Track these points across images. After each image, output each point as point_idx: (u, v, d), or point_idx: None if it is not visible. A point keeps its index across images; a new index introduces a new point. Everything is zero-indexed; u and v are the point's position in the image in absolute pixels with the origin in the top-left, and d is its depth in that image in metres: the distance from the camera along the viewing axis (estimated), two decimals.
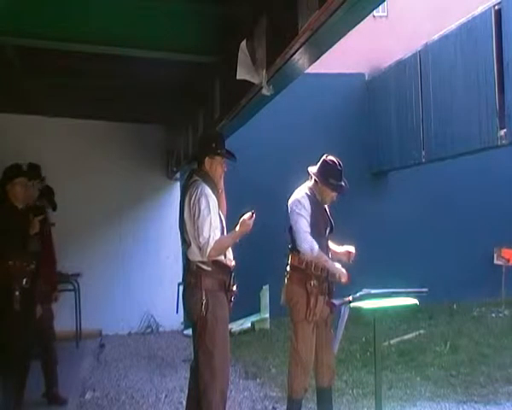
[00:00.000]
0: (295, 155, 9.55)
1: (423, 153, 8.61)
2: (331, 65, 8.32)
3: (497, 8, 6.84)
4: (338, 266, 4.47)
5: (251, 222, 3.84)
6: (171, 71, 5.25)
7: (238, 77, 3.45)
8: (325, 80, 9.70)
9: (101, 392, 5.88)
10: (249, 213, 3.85)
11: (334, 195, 4.40)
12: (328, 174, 4.33)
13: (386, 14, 10.42)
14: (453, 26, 7.89)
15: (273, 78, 3.34)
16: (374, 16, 9.98)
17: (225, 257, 4.00)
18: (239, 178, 9.48)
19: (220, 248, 3.86)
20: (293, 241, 4.33)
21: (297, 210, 4.26)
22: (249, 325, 8.66)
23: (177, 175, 8.87)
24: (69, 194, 5.61)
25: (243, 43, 3.43)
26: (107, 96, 6.63)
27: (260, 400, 5.48)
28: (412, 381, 5.82)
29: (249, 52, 3.40)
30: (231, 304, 4.02)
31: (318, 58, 3.11)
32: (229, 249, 4.07)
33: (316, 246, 4.24)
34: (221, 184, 4.08)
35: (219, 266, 3.90)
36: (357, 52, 9.83)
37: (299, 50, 2.85)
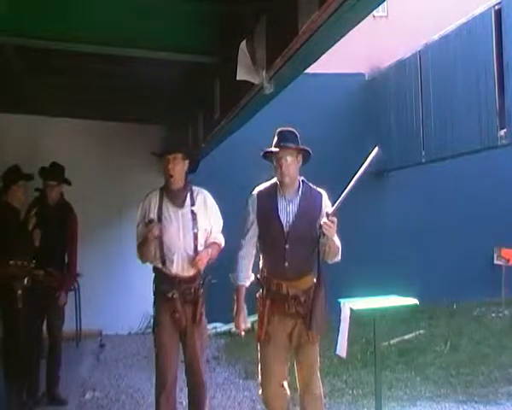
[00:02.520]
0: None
1: (423, 153, 8.61)
2: (331, 65, 8.31)
3: (497, 8, 6.84)
4: (242, 316, 3.80)
5: (153, 226, 3.85)
6: (171, 71, 5.25)
7: (238, 77, 3.45)
8: (325, 80, 9.70)
9: (101, 392, 5.88)
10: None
11: (281, 164, 3.48)
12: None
13: (386, 14, 10.42)
14: (453, 26, 7.88)
15: (273, 78, 3.34)
16: (374, 16, 9.98)
17: (164, 265, 3.95)
18: (238, 178, 9.48)
19: (139, 253, 4.03)
20: None
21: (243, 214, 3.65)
22: (249, 325, 8.64)
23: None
24: (69, 194, 5.59)
25: (243, 44, 3.43)
26: (107, 96, 6.63)
27: (260, 400, 5.47)
28: (412, 381, 5.82)
29: (249, 52, 3.40)
30: (191, 313, 3.95)
31: (318, 58, 3.12)
32: (176, 259, 3.93)
33: (241, 273, 3.64)
34: (174, 183, 3.97)
35: (159, 273, 4.01)
36: (357, 52, 9.83)
37: (299, 50, 2.85)
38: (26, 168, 5.15)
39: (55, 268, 5.13)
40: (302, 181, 3.58)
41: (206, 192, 4.15)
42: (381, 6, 2.41)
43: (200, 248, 3.96)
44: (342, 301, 4.43)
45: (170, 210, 3.97)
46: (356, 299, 4.56)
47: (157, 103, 6.92)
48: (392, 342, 7.16)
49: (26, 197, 5.04)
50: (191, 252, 3.93)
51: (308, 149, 3.59)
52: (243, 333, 3.78)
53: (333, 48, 2.94)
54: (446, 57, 7.97)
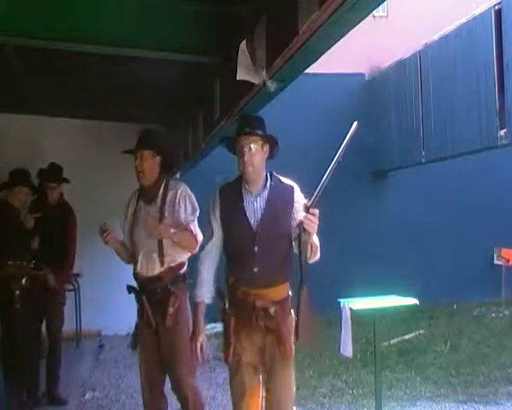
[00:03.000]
0: (294, 155, 9.55)
1: (423, 153, 8.61)
2: (331, 65, 8.31)
3: (497, 8, 6.84)
4: (201, 339, 3.17)
5: (105, 232, 3.78)
6: (171, 71, 5.25)
7: (238, 77, 3.45)
8: (325, 80, 9.70)
9: (101, 392, 5.88)
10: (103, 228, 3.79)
11: (243, 152, 3.05)
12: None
13: (386, 14, 10.42)
14: (453, 26, 7.88)
15: (273, 78, 3.34)
16: (374, 16, 9.98)
17: (135, 265, 3.84)
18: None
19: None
20: None
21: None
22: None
23: (177, 175, 8.87)
24: (69, 194, 5.60)
25: (243, 44, 3.43)
26: (107, 96, 6.63)
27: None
28: (412, 381, 5.82)
29: (249, 52, 3.40)
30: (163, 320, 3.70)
31: (318, 58, 3.11)
32: (141, 258, 3.78)
33: (202, 288, 3.14)
34: (143, 180, 3.84)
35: (133, 274, 3.90)
36: (357, 52, 9.84)
37: (299, 50, 2.85)
38: (26, 168, 5.15)
39: (54, 268, 5.13)
40: (270, 173, 3.15)
41: (181, 186, 3.90)
42: (381, 6, 2.41)
43: (168, 248, 3.71)
44: (342, 301, 4.43)
45: (142, 208, 3.85)
46: (356, 299, 4.56)
47: (157, 103, 6.92)
48: (392, 342, 7.16)
49: (27, 199, 5.05)
50: (156, 251, 3.72)
51: (275, 137, 3.21)
52: (201, 361, 3.17)
53: (333, 48, 2.93)
54: (446, 57, 7.97)
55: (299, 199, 3.06)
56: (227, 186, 3.15)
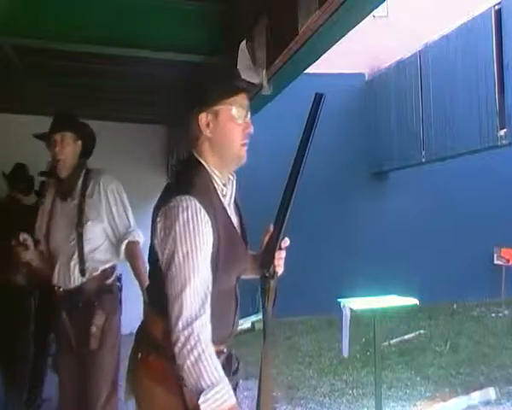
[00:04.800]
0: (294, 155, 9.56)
1: (423, 153, 8.61)
2: (331, 65, 8.32)
3: (497, 8, 6.85)
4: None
5: (21, 246, 3.07)
6: (171, 71, 5.25)
7: None
8: (325, 80, 9.67)
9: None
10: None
11: (244, 126, 1.98)
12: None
13: (386, 14, 10.42)
14: (453, 26, 7.89)
15: (273, 78, 3.34)
16: (374, 16, 9.98)
17: (53, 273, 3.18)
18: (239, 176, 9.49)
19: None
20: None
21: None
22: (249, 324, 8.66)
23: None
24: None
25: (243, 44, 3.43)
26: (107, 97, 6.63)
27: None
28: (412, 381, 5.82)
29: (249, 52, 3.40)
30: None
31: (318, 58, 3.11)
32: (58, 267, 3.16)
33: (220, 371, 1.84)
34: (62, 170, 3.26)
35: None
36: (357, 52, 9.84)
37: (299, 50, 2.85)
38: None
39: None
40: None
41: (105, 176, 3.31)
42: (381, 6, 2.40)
43: (90, 253, 3.09)
44: (342, 301, 4.44)
45: (58, 206, 3.21)
46: (356, 299, 4.57)
47: (157, 103, 6.92)
48: (392, 342, 7.16)
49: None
50: (75, 258, 3.08)
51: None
52: None
53: (333, 48, 2.94)
54: (446, 57, 7.97)
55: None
56: (201, 189, 1.86)
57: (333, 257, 9.40)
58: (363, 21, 2.56)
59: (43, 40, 4.06)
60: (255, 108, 4.49)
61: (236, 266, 1.96)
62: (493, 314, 8.93)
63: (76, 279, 3.07)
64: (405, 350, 6.93)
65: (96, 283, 3.09)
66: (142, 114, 7.81)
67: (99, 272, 3.10)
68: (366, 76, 10.46)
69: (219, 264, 1.82)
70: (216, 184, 1.92)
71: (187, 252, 1.74)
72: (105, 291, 3.11)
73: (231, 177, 2.02)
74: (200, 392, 1.70)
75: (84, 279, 3.08)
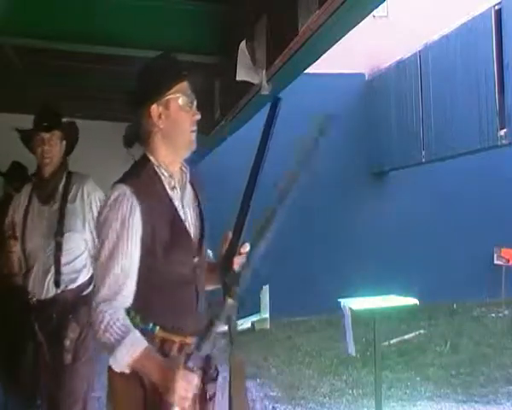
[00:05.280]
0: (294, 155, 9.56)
1: (423, 153, 8.61)
2: (331, 65, 8.31)
3: (497, 8, 6.85)
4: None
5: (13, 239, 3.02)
6: None
7: (238, 78, 3.45)
8: (325, 80, 9.70)
9: (101, 392, 5.87)
10: None
11: (192, 117, 1.97)
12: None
13: (386, 14, 10.41)
14: (453, 26, 7.89)
15: (273, 78, 3.34)
16: (374, 16, 9.97)
17: (24, 281, 3.04)
18: (239, 177, 9.49)
19: None
20: None
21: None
22: (249, 325, 8.66)
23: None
24: None
25: (243, 44, 3.43)
26: (107, 96, 6.63)
27: (260, 400, 5.48)
28: (412, 381, 5.82)
29: (249, 52, 3.40)
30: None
31: (318, 58, 3.11)
32: (33, 275, 3.00)
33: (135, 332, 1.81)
34: (48, 171, 3.09)
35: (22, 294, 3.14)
36: (357, 52, 9.83)
37: (299, 50, 2.85)
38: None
39: None
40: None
41: (89, 183, 3.09)
42: (381, 6, 2.40)
43: (67, 264, 2.92)
44: (342, 300, 4.44)
45: (35, 209, 3.02)
46: (356, 298, 4.57)
47: None
48: (392, 342, 7.16)
49: None
50: (51, 269, 2.91)
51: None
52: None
53: (333, 48, 2.94)
54: (446, 57, 7.97)
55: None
56: (140, 179, 1.89)
57: (333, 257, 9.39)
58: (362, 21, 2.56)
59: (43, 40, 4.06)
60: (255, 107, 4.49)
61: (181, 257, 1.90)
62: (493, 314, 8.93)
63: (50, 290, 2.93)
64: (405, 350, 6.93)
65: (71, 294, 2.93)
66: None
67: (75, 284, 2.95)
68: (366, 76, 10.46)
69: (157, 253, 1.83)
70: (163, 177, 1.92)
71: (111, 237, 1.79)
72: (81, 303, 2.88)
73: (184, 169, 2.01)
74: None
75: (59, 291, 2.93)
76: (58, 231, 2.92)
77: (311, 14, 2.42)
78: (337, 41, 2.83)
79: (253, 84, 3.48)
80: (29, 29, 3.90)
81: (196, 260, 1.95)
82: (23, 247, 3.00)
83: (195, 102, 1.98)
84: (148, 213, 1.81)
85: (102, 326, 1.75)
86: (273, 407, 5.27)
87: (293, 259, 9.36)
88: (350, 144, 9.93)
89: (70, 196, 3.00)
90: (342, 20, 2.42)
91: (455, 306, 9.34)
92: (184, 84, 1.96)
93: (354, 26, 2.59)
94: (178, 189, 1.95)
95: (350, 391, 5.57)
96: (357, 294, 4.83)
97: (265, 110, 4.72)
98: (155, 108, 1.90)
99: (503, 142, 6.80)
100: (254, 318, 8.76)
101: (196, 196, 2.06)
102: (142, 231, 1.80)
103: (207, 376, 1.87)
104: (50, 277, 2.92)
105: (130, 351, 1.73)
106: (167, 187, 1.91)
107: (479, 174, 9.99)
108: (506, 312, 8.94)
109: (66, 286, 2.94)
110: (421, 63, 8.63)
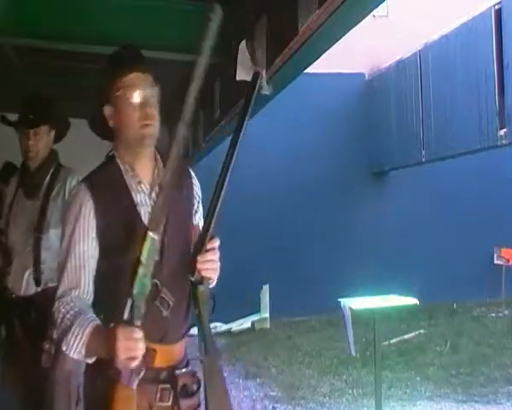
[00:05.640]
0: (294, 155, 9.56)
1: (423, 153, 8.62)
2: (331, 65, 8.32)
3: (497, 8, 6.85)
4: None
5: None
6: (171, 71, 5.25)
7: (238, 78, 3.44)
8: (325, 80, 9.70)
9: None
10: None
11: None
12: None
13: (386, 13, 10.42)
14: (453, 25, 7.89)
15: (273, 78, 3.34)
16: (374, 16, 9.98)
17: (4, 277, 2.92)
18: (240, 177, 9.49)
19: None
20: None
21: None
22: (249, 324, 8.66)
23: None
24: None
25: (243, 44, 3.43)
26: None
27: (260, 399, 5.48)
28: (412, 381, 5.82)
29: (249, 52, 3.40)
30: None
31: (318, 58, 3.11)
32: (14, 270, 2.89)
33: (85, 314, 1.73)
34: (33, 163, 2.97)
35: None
36: (357, 52, 9.83)
37: (299, 50, 2.85)
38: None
39: None
40: (157, 150, 1.98)
41: (74, 176, 2.93)
42: (381, 6, 2.41)
43: (47, 262, 2.79)
44: (342, 300, 4.44)
45: (20, 203, 2.92)
46: (356, 298, 4.57)
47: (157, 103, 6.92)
48: (392, 341, 7.16)
49: None
50: (30, 266, 2.81)
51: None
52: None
53: (333, 48, 2.93)
54: (446, 57, 7.97)
55: (200, 193, 2.03)
56: (100, 176, 1.91)
57: (333, 257, 9.39)
58: (362, 21, 2.56)
59: (43, 40, 4.07)
60: (255, 107, 4.49)
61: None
62: (493, 314, 8.93)
63: (30, 287, 2.82)
64: (405, 350, 6.93)
65: (52, 293, 2.66)
66: None
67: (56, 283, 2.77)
68: (366, 76, 10.46)
69: (111, 253, 1.76)
70: (126, 175, 1.85)
71: (67, 233, 1.79)
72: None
73: (158, 163, 1.91)
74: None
75: (39, 289, 2.82)
76: (37, 227, 2.82)
77: (311, 13, 2.42)
78: (337, 41, 2.82)
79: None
80: (29, 29, 3.90)
81: (161, 263, 1.75)
82: (6, 241, 2.90)
83: (152, 94, 1.92)
84: (103, 210, 1.76)
85: (59, 320, 1.72)
86: (273, 407, 5.27)
87: (293, 259, 9.36)
88: (350, 144, 9.94)
89: (54, 192, 2.90)
90: (342, 20, 2.42)
91: (455, 306, 9.34)
92: (130, 77, 1.89)
93: (354, 26, 2.59)
94: (146, 187, 1.84)
95: (350, 391, 5.57)
96: (357, 294, 4.84)
97: (264, 109, 4.73)
98: (106, 109, 1.87)
99: (503, 142, 6.80)
100: (254, 317, 8.76)
101: (188, 197, 1.94)
102: (97, 228, 1.76)
103: (180, 391, 1.77)
104: (29, 273, 2.83)
105: (80, 333, 1.66)
106: (131, 185, 1.82)
107: (479, 174, 9.99)
108: (506, 312, 8.94)
109: (47, 284, 2.81)
110: (421, 63, 8.63)
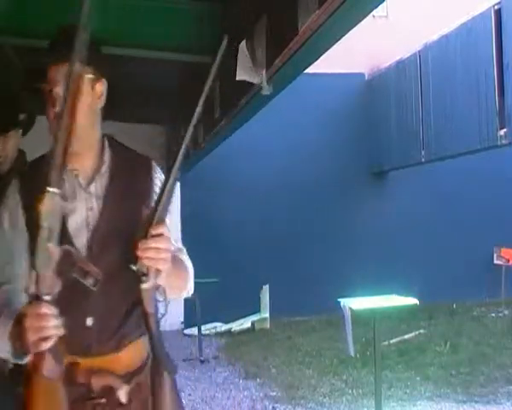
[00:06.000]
0: (294, 155, 9.56)
1: (423, 153, 8.62)
2: (331, 65, 8.31)
3: (497, 8, 6.85)
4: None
5: None
6: (171, 71, 5.25)
7: (238, 78, 3.45)
8: (325, 80, 9.70)
9: None
10: None
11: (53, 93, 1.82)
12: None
13: (386, 14, 10.42)
14: (453, 26, 7.89)
15: (273, 78, 3.34)
16: (374, 16, 9.97)
17: None
18: (240, 177, 9.49)
19: None
20: None
21: None
22: (249, 324, 8.66)
23: (178, 175, 8.87)
24: None
25: (243, 44, 3.43)
26: (107, 97, 6.63)
27: (260, 399, 5.48)
28: (412, 381, 5.82)
29: (249, 52, 3.40)
30: None
31: (318, 58, 3.11)
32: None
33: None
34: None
35: None
36: (358, 52, 9.83)
37: (299, 50, 2.85)
38: None
39: None
40: (109, 138, 1.85)
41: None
42: (380, 6, 2.41)
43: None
44: (342, 300, 4.44)
45: None
46: (356, 298, 4.57)
47: (157, 103, 6.92)
48: (392, 341, 7.16)
49: None
50: None
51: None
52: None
53: (333, 48, 2.94)
54: (446, 57, 7.97)
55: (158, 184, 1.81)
56: (32, 168, 1.79)
57: (333, 257, 9.40)
58: (362, 21, 2.56)
59: (43, 40, 4.06)
60: (255, 107, 4.50)
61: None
62: (493, 314, 8.93)
63: None
64: (405, 350, 6.93)
65: None
66: (142, 114, 7.82)
67: None
68: (366, 76, 10.46)
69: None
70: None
71: (1, 229, 1.68)
72: None
73: (104, 155, 1.75)
74: None
75: None
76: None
77: (311, 13, 2.42)
78: (337, 41, 2.83)
79: (252, 83, 3.48)
80: (29, 29, 3.90)
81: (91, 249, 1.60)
82: None
83: (60, 87, 1.72)
84: (30, 202, 1.53)
85: None
86: (273, 407, 5.27)
87: (293, 259, 9.36)
88: (350, 144, 9.94)
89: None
90: (342, 20, 2.42)
91: (455, 306, 9.34)
92: (50, 70, 1.80)
93: (354, 26, 2.59)
94: (75, 183, 1.67)
95: (350, 391, 5.57)
96: (357, 294, 4.84)
97: (264, 109, 4.72)
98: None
99: (503, 142, 6.80)
100: (254, 317, 8.76)
101: (110, 191, 1.69)
102: (25, 220, 1.63)
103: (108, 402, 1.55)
104: None
105: (2, 327, 1.49)
106: (53, 180, 1.52)
107: (479, 174, 9.99)
108: (506, 312, 8.94)
109: None
110: (421, 63, 8.63)
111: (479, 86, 7.14)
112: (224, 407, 5.36)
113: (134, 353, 1.67)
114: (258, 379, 6.11)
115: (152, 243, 1.50)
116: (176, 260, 1.66)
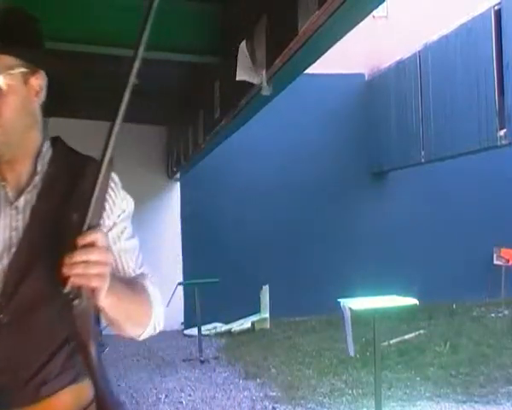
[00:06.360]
0: (294, 155, 9.56)
1: (423, 153, 8.62)
2: (331, 65, 8.32)
3: (497, 8, 6.85)
4: None
5: None
6: (171, 71, 5.25)
7: (238, 78, 3.45)
8: (325, 80, 9.70)
9: None
10: None
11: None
12: None
13: (386, 14, 10.41)
14: (453, 26, 7.89)
15: (273, 78, 3.34)
16: (374, 16, 9.97)
17: None
18: (240, 177, 9.49)
19: None
20: None
21: None
22: (249, 324, 8.66)
23: (177, 175, 8.88)
24: None
25: (243, 44, 3.43)
26: (107, 97, 6.63)
27: (260, 400, 5.48)
28: (412, 381, 5.82)
29: (249, 52, 3.40)
30: None
31: (318, 58, 3.12)
32: None
33: None
34: None
35: None
36: (357, 52, 9.83)
37: (299, 50, 2.85)
38: None
39: None
40: (53, 140, 1.55)
41: None
42: (380, 6, 2.41)
43: None
44: (342, 300, 4.44)
45: None
46: (356, 298, 4.57)
47: (157, 103, 6.92)
48: (392, 342, 7.16)
49: None
50: None
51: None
52: None
53: (333, 48, 2.94)
54: (446, 57, 7.97)
55: (120, 200, 1.59)
56: None
57: (333, 257, 9.40)
58: (362, 21, 2.56)
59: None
60: (255, 107, 4.50)
61: None
62: (493, 314, 8.93)
63: None
64: (405, 350, 6.93)
65: None
66: (142, 114, 7.81)
67: None
68: (366, 76, 10.46)
69: None
70: None
71: None
72: None
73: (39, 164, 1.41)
74: None
75: None
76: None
77: (311, 14, 2.43)
78: (337, 41, 2.83)
79: (252, 83, 3.48)
80: None
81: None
82: None
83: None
84: None
85: None
86: (273, 408, 5.27)
87: (292, 259, 9.36)
88: (350, 144, 9.94)
89: None
90: (342, 21, 2.43)
91: (455, 306, 9.34)
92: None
93: (354, 27, 2.59)
94: (9, 196, 1.36)
95: (350, 391, 5.57)
96: (357, 294, 4.84)
97: (264, 109, 4.72)
98: None
99: (503, 142, 6.80)
100: (254, 318, 8.76)
101: (39, 207, 1.36)
102: None
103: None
104: None
105: None
106: None
107: (479, 174, 10.00)
108: (506, 312, 8.94)
109: None
110: (421, 63, 8.63)
111: (479, 86, 7.14)
112: (223, 407, 5.37)
113: (68, 401, 1.34)
114: (258, 379, 6.12)
115: (79, 257, 1.14)
116: (132, 284, 1.37)
